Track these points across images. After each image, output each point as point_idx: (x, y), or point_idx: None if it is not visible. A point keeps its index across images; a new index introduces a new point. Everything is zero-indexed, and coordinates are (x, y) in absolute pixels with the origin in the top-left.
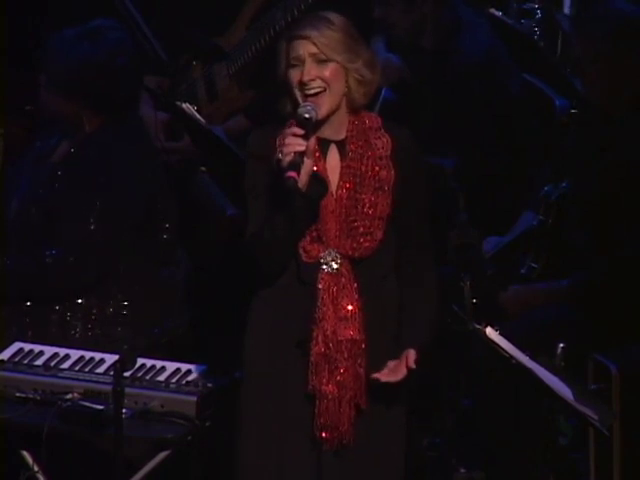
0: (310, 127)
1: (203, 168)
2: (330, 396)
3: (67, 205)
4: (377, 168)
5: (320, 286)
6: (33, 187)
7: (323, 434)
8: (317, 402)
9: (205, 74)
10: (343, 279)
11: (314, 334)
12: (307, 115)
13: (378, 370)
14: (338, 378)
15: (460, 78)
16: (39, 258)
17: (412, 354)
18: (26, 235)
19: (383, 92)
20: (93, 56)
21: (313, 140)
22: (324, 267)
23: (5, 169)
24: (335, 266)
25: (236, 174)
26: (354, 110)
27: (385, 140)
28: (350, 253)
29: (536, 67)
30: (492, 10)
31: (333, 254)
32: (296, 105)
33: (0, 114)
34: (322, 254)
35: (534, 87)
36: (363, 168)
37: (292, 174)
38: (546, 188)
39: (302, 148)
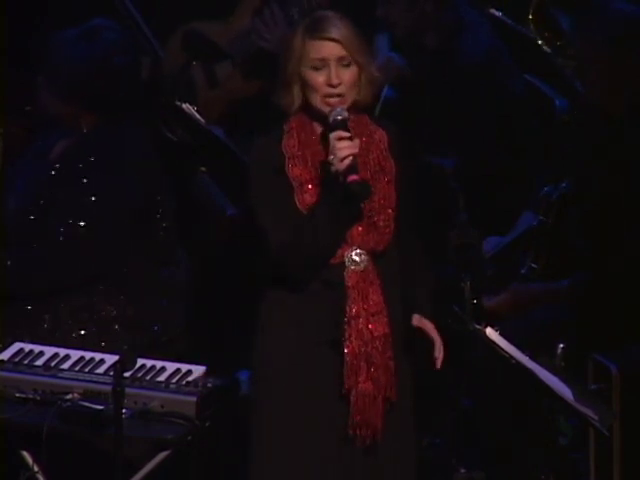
0: (346, 128)
1: (203, 168)
2: (367, 393)
3: (59, 203)
4: (382, 161)
5: (349, 284)
6: (30, 185)
7: (358, 431)
8: (353, 400)
9: (193, 64)
10: (370, 275)
11: (347, 333)
12: (340, 117)
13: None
14: (375, 375)
15: (461, 78)
16: (27, 255)
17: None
18: (22, 233)
19: (385, 91)
20: (90, 57)
21: (357, 141)
22: (350, 265)
23: (5, 169)
24: (362, 263)
25: (236, 174)
26: (357, 109)
27: (381, 133)
28: (374, 248)
29: (536, 67)
30: (492, 10)
31: (357, 251)
32: (309, 105)
33: (0, 114)
34: (346, 253)
35: (534, 87)
36: (372, 162)
37: (355, 177)
38: (546, 188)
39: (356, 150)
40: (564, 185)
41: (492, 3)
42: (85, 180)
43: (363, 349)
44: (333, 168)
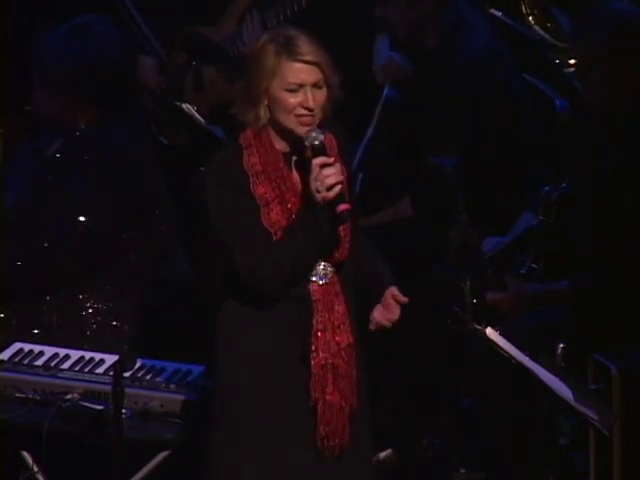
0: (327, 152)
1: (203, 168)
2: (334, 404)
3: (56, 197)
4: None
5: (315, 298)
6: (27, 183)
7: (325, 443)
8: (320, 411)
9: (194, 64)
10: (335, 287)
11: (313, 346)
12: (317, 141)
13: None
14: (341, 385)
15: (461, 78)
16: (26, 252)
17: (396, 290)
18: (20, 230)
19: (386, 91)
20: (85, 53)
21: (339, 165)
22: (315, 279)
23: (5, 169)
24: (327, 276)
25: None
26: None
27: (330, 138)
28: (338, 259)
29: (536, 67)
30: (492, 10)
31: (322, 264)
32: (276, 122)
33: (0, 114)
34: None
35: (534, 87)
36: None
37: (346, 207)
38: (546, 188)
39: (342, 177)
40: (564, 185)
41: (492, 3)
42: (82, 177)
43: (330, 361)
44: (319, 196)
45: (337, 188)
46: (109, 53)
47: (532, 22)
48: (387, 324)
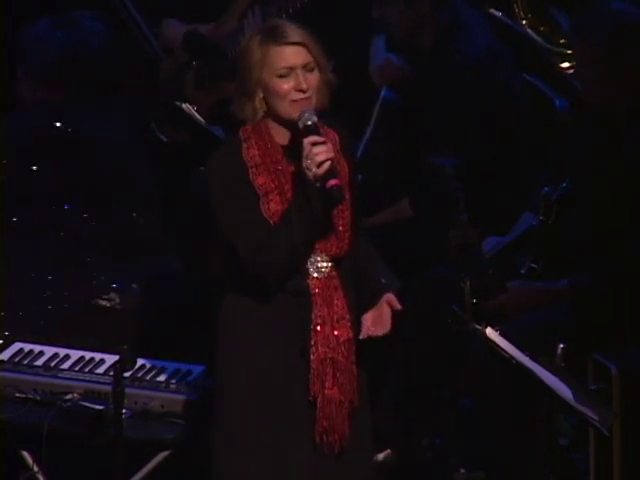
0: (319, 132)
1: (203, 168)
2: (333, 399)
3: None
4: (337, 163)
5: (314, 292)
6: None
7: (325, 438)
8: (319, 406)
9: (193, 64)
10: (334, 281)
11: (312, 340)
12: (310, 122)
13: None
14: (340, 380)
15: (459, 78)
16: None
17: (393, 297)
18: None
19: (383, 92)
20: (66, 42)
21: (331, 145)
22: (313, 273)
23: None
24: (325, 270)
25: None
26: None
27: (333, 135)
28: (337, 253)
29: (536, 67)
30: (492, 10)
31: (320, 258)
32: (272, 112)
33: (0, 114)
34: (310, 260)
35: (534, 87)
36: None
37: (336, 182)
38: (546, 188)
39: (332, 154)
40: (564, 185)
41: (492, 3)
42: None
43: (329, 355)
44: (310, 174)
45: (327, 164)
46: (89, 47)
47: (526, 26)
48: (375, 336)
